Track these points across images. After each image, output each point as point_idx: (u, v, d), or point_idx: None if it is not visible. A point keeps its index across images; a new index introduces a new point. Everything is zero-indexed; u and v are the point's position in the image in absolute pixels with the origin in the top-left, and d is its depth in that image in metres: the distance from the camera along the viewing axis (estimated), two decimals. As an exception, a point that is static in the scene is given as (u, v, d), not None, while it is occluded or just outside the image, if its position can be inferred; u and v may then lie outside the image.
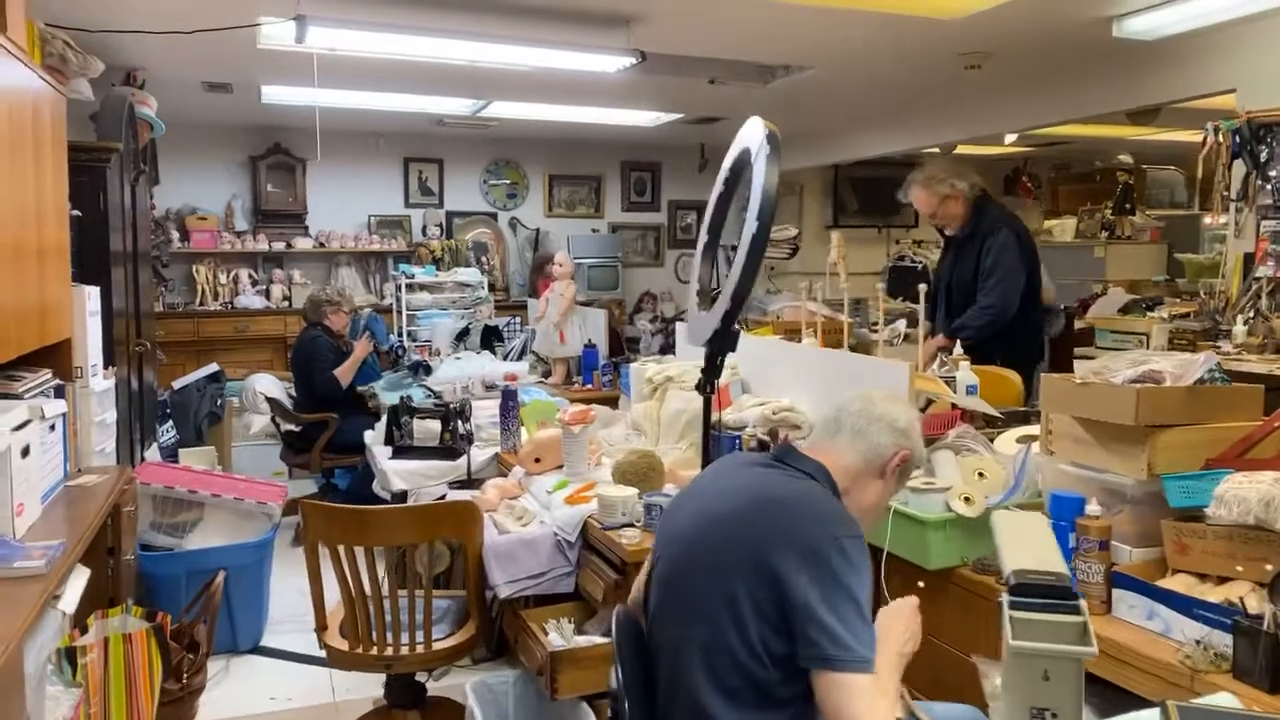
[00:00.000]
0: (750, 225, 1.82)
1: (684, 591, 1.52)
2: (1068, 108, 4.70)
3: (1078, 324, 4.79)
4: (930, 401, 2.59)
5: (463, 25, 3.74)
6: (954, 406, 2.58)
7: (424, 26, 3.70)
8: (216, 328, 6.41)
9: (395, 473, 3.33)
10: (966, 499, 2.11)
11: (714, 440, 2.96)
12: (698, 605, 1.48)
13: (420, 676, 2.66)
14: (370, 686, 2.93)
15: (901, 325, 3.86)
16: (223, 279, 6.56)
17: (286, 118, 6.14)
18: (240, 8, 3.51)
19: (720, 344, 1.98)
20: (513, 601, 2.65)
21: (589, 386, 4.68)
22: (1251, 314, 3.50)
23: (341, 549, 2.33)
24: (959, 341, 3.48)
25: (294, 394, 5.17)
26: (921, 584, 2.09)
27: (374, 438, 3.74)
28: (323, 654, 2.50)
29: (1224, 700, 1.44)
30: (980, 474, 2.25)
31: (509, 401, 3.32)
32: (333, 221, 6.95)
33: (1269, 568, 1.52)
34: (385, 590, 2.38)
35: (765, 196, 1.81)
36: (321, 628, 2.49)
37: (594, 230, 7.74)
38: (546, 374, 4.98)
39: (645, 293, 7.92)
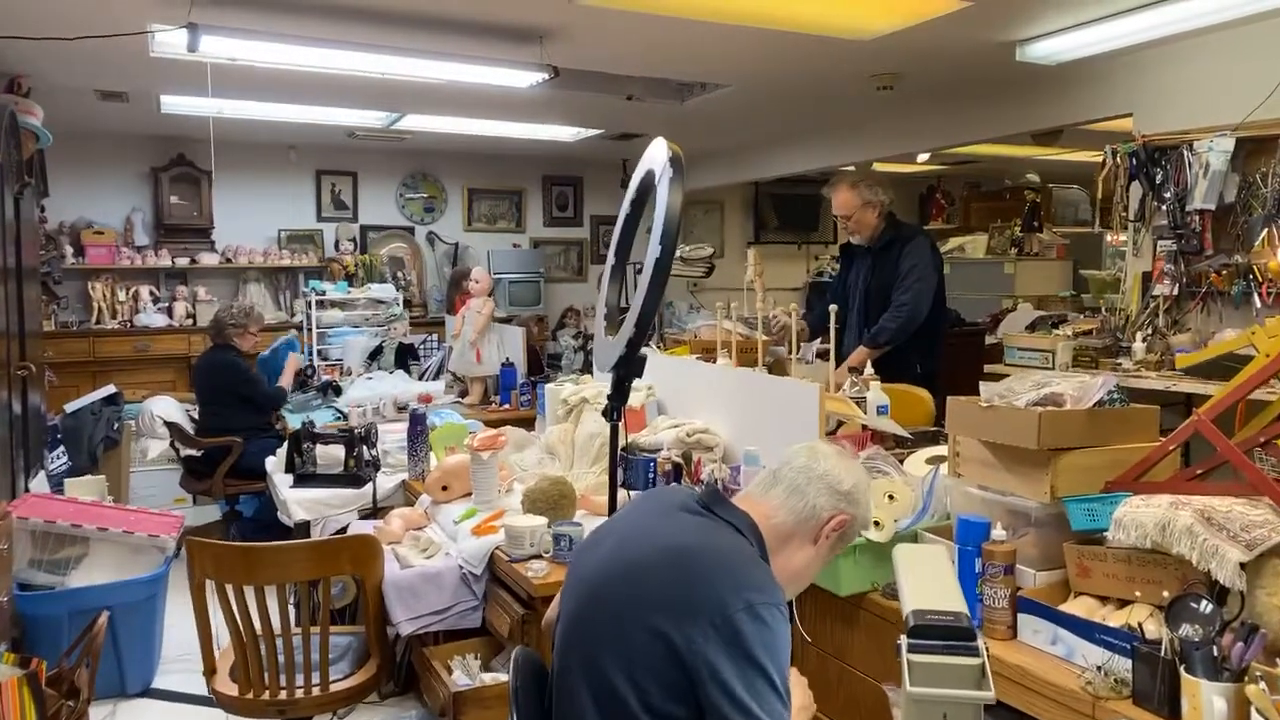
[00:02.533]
0: (654, 249, 1.77)
1: (584, 641, 1.44)
2: (975, 128, 4.80)
3: (988, 340, 4.89)
4: (840, 423, 2.58)
5: (369, 37, 3.63)
6: (864, 428, 2.57)
7: (327, 38, 3.57)
8: (114, 347, 6.09)
9: (296, 502, 3.18)
10: (876, 523, 2.10)
11: (627, 463, 2.92)
12: (597, 659, 1.40)
13: (322, 718, 2.53)
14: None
15: (817, 344, 3.87)
16: (121, 296, 6.24)
17: (190, 128, 5.89)
18: (130, 14, 3.34)
19: (627, 369, 1.92)
20: (421, 635, 2.55)
21: (506, 406, 4.59)
22: (1150, 331, 3.61)
23: (230, 588, 2.20)
24: (878, 348, 3.53)
25: (196, 416, 4.95)
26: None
27: (274, 464, 3.57)
28: (216, 697, 2.35)
29: (1123, 730, 1.44)
30: (890, 496, 2.23)
31: (417, 425, 3.21)
32: (241, 236, 6.69)
33: (1165, 593, 1.53)
34: (278, 629, 2.25)
35: (668, 219, 1.77)
36: (210, 671, 2.35)
37: (515, 245, 7.64)
38: (463, 394, 4.86)
39: (568, 308, 7.84)
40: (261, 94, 4.85)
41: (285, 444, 3.43)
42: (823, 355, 3.74)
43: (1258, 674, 1.35)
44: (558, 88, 4.38)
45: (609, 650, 1.38)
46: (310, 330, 5.80)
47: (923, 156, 6.44)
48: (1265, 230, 3.28)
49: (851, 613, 2.07)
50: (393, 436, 3.55)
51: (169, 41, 3.57)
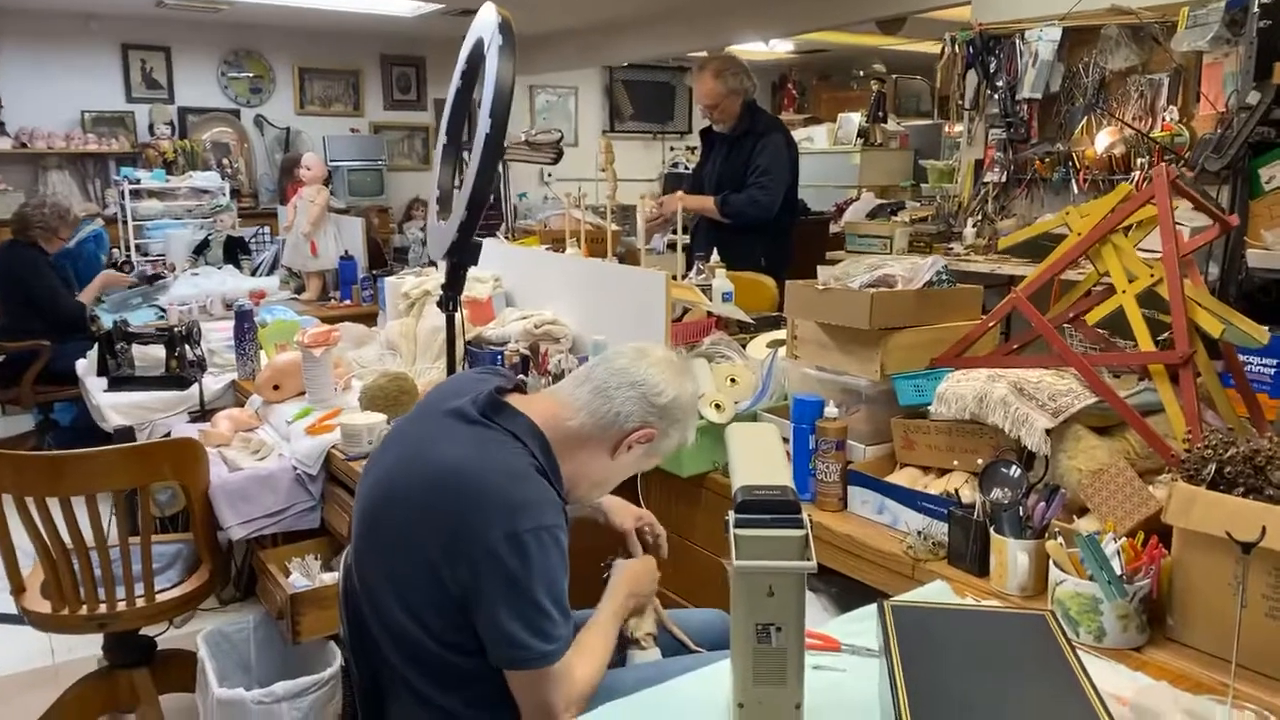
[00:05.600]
0: (484, 124, 1.66)
1: (364, 569, 1.39)
2: (824, 14, 4.79)
3: (833, 228, 5.01)
4: (686, 310, 2.58)
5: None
6: (709, 314, 2.58)
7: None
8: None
9: (112, 407, 2.95)
10: (717, 405, 2.13)
11: (474, 357, 2.84)
12: (376, 588, 1.36)
13: (154, 629, 2.41)
14: (95, 645, 2.63)
15: (668, 235, 3.85)
16: (-107, 185, 5.52)
17: (-40, -10, 5.15)
18: None
19: (460, 255, 1.82)
20: (260, 539, 2.45)
21: (347, 302, 4.37)
22: (980, 217, 3.78)
23: (32, 501, 2.02)
24: (720, 214, 3.55)
25: (-6, 319, 4.49)
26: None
27: (85, 368, 3.29)
28: (34, 616, 2.19)
29: (937, 588, 1.53)
30: (732, 380, 2.27)
31: (244, 323, 3.01)
32: (36, 118, 6.00)
33: (979, 460, 1.61)
34: (92, 542, 2.09)
35: (499, 91, 1.65)
36: (19, 590, 2.18)
37: (353, 130, 7.18)
38: (299, 290, 4.60)
39: (414, 199, 7.50)
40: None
41: (95, 346, 3.15)
42: (671, 246, 3.74)
43: (1056, 530, 1.46)
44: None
45: (384, 580, 1.34)
46: (126, 223, 5.32)
47: (775, 43, 6.39)
48: (1084, 119, 3.44)
49: (693, 492, 2.11)
50: (220, 335, 3.33)
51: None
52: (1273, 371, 2.47)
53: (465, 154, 1.96)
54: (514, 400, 1.44)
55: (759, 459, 1.25)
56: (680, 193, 3.57)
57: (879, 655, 1.19)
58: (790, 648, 1.11)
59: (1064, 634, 1.10)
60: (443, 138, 2.01)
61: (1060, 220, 1.78)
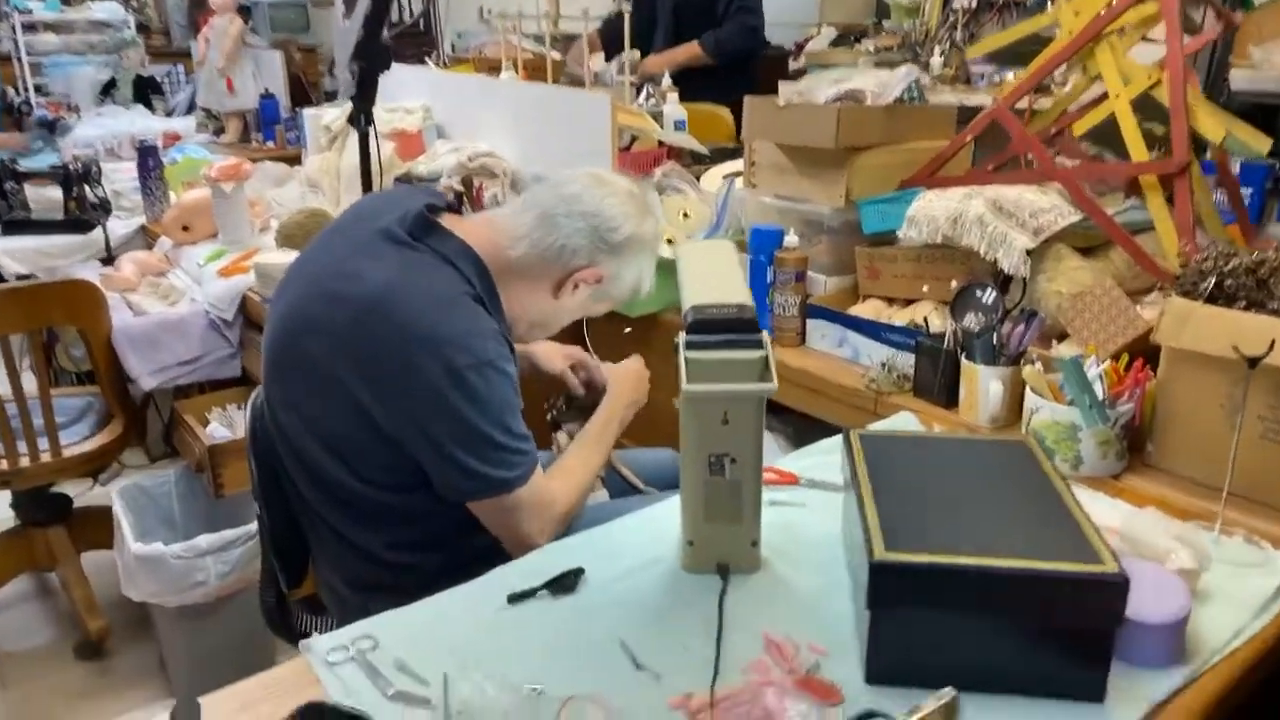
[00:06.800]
0: (387, -107, 1.40)
1: (277, 406, 1.23)
2: None
3: (792, 65, 4.71)
4: (634, 138, 2.37)
5: None
6: (660, 143, 2.38)
7: None
8: None
9: (7, 254, 2.68)
10: (668, 240, 1.96)
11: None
12: (290, 428, 1.21)
13: (76, 487, 2.27)
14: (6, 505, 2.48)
15: (614, 66, 3.55)
16: None
17: None
18: None
19: (369, 59, 1.59)
20: (184, 391, 2.28)
21: (270, 144, 4.04)
22: (948, 45, 3.54)
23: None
24: (709, 56, 3.27)
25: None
26: (628, 330, 1.99)
27: (-25, 212, 2.99)
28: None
29: (904, 419, 1.43)
30: (685, 214, 2.10)
31: (148, 160, 2.72)
32: (-95, -62, 5.32)
33: (953, 285, 1.48)
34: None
35: None
36: (-92, 448, 2.00)
37: (273, -41, 6.54)
38: (219, 132, 4.24)
39: (345, 39, 6.95)
40: None
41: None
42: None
43: (1033, 356, 1.35)
44: None
45: (300, 419, 1.20)
46: (20, 60, 4.82)
47: None
48: (1067, -69, 3.18)
49: (643, 333, 1.98)
50: (126, 176, 3.03)
51: None
52: (1247, 201, 2.35)
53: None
54: (447, 221, 1.25)
55: (713, 277, 1.10)
56: (653, 56, 3.28)
57: (843, 489, 1.09)
58: (746, 480, 1.00)
59: (1049, 461, 1.00)
60: (349, -75, 1.73)
61: (1051, 18, 1.59)
